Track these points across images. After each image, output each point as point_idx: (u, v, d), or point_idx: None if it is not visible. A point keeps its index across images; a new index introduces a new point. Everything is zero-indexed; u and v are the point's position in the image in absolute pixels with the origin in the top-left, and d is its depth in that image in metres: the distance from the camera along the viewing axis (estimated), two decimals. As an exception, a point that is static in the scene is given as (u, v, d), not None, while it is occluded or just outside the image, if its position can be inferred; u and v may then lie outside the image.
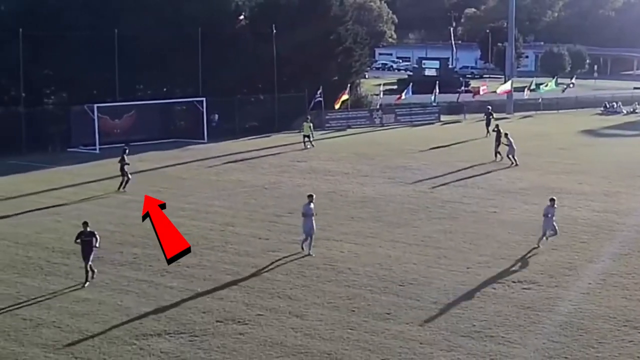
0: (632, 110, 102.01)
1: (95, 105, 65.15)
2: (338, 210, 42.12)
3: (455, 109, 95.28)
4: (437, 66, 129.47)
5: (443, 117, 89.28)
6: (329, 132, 77.24)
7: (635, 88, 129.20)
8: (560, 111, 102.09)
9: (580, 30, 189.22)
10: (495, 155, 56.97)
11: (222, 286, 29.55)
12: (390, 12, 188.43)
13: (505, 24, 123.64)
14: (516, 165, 54.47)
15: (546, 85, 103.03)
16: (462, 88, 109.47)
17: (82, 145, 64.64)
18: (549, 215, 33.74)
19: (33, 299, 28.32)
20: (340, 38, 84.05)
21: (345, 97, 79.76)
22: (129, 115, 70.20)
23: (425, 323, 25.54)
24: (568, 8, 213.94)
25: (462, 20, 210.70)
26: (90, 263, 29.88)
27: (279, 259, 32.81)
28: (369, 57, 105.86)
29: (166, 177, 53.31)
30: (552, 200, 34.36)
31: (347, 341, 24.18)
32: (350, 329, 25.10)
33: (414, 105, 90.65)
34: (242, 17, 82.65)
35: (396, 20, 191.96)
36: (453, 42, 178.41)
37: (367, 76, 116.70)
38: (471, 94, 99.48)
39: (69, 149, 64.10)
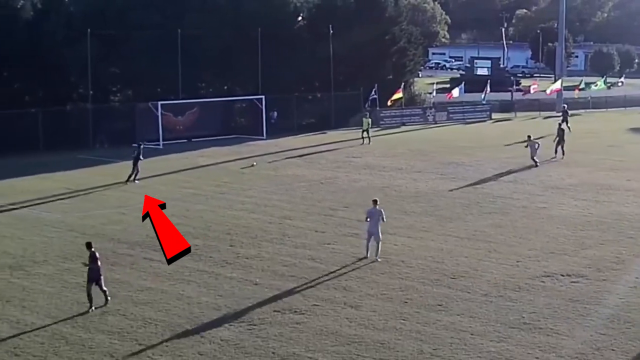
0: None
1: (159, 103, 65.68)
2: (392, 204, 41.97)
3: (506, 107, 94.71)
4: (489, 65, 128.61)
5: (494, 115, 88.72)
6: (383, 129, 77.16)
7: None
8: (608, 109, 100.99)
9: (629, 31, 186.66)
10: (556, 152, 56.25)
11: (280, 277, 29.62)
12: (444, 12, 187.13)
13: (556, 24, 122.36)
14: (536, 166, 52.94)
15: (595, 85, 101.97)
16: (513, 87, 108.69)
17: (147, 141, 65.03)
18: None
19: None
20: (395, 38, 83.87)
21: (399, 95, 79.71)
22: (191, 112, 70.60)
23: (476, 314, 25.42)
24: (617, 9, 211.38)
25: (514, 20, 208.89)
26: (104, 287, 26.59)
27: (335, 252, 32.82)
28: (422, 57, 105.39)
29: (226, 171, 53.52)
30: None
31: (400, 331, 24.13)
32: (403, 320, 25.04)
33: (466, 103, 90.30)
34: (300, 17, 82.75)
35: (449, 21, 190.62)
36: (504, 42, 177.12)
37: (420, 75, 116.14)
38: (522, 93, 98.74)
39: (134, 144, 64.42)
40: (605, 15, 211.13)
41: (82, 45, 64.49)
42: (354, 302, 26.73)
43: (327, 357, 22.30)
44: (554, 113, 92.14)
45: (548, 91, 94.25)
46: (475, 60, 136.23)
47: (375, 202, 32.00)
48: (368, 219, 31.62)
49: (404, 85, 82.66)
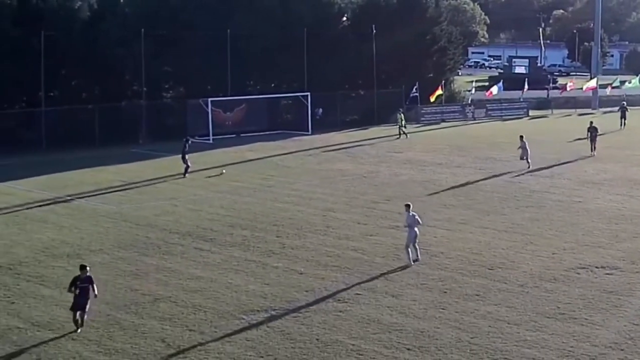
0: None
1: (210, 99, 66.00)
2: (432, 198, 41.93)
3: (543, 104, 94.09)
4: (527, 64, 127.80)
5: (531, 112, 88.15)
6: (424, 125, 77.03)
7: None
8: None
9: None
10: (591, 150, 55.52)
11: (324, 267, 29.64)
12: (483, 13, 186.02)
13: (592, 24, 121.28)
14: (529, 167, 50.20)
15: (630, 82, 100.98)
16: (550, 85, 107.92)
17: (197, 136, 65.38)
18: None
19: (152, 275, 28.81)
20: (436, 38, 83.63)
21: (439, 92, 79.75)
22: (239, 109, 70.84)
23: (513, 304, 25.28)
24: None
25: (551, 21, 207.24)
26: (85, 316, 23.75)
27: (377, 243, 32.79)
28: (462, 56, 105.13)
29: (273, 165, 53.64)
30: None
31: (439, 320, 24.07)
32: (442, 309, 24.98)
33: (504, 100, 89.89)
34: (344, 18, 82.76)
35: (488, 21, 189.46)
36: (542, 42, 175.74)
37: (460, 73, 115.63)
38: (559, 91, 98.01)
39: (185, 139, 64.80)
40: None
41: (136, 45, 64.92)
42: (395, 291, 26.70)
43: (368, 344, 22.29)
44: (589, 110, 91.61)
45: (584, 88, 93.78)
46: (513, 59, 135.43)
47: (407, 206, 30.30)
48: (407, 227, 30.11)
49: (444, 83, 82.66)
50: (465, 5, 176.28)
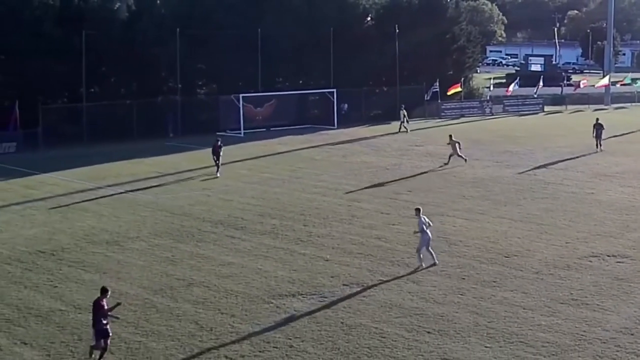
0: None
1: (241, 95, 66.09)
2: (451, 189, 41.82)
3: (557, 100, 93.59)
4: (542, 62, 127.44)
5: (546, 108, 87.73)
6: (444, 120, 76.87)
7: None
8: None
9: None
10: (597, 146, 54.81)
11: (348, 254, 29.63)
12: (501, 13, 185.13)
13: (605, 24, 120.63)
14: (446, 163, 48.92)
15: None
16: (564, 82, 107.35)
17: (229, 129, 65.61)
18: None
19: (186, 261, 28.91)
20: (455, 37, 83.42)
21: (458, 89, 79.72)
22: (269, 104, 70.88)
23: (528, 291, 25.20)
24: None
25: (565, 21, 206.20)
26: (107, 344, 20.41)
27: (399, 232, 32.73)
28: (480, 54, 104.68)
29: (301, 158, 53.66)
30: None
31: (458, 305, 24.02)
32: (461, 295, 24.93)
33: (520, 96, 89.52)
34: (369, 18, 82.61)
35: (506, 21, 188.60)
36: (556, 41, 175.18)
37: (478, 71, 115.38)
38: (573, 88, 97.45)
39: (217, 133, 64.96)
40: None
41: (172, 44, 65.10)
42: (416, 278, 26.67)
43: (390, 328, 22.28)
44: (602, 106, 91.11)
45: (597, 85, 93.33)
46: (530, 58, 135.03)
47: (418, 210, 28.22)
48: (417, 232, 28.07)
49: (463, 80, 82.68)
50: (484, 6, 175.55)
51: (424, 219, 27.85)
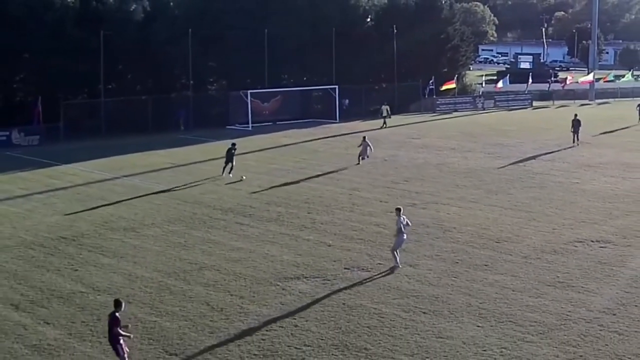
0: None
1: (249, 91, 66.12)
2: (445, 179, 41.79)
3: (545, 96, 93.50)
4: (531, 60, 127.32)
5: (535, 103, 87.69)
6: (439, 115, 76.88)
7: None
8: (635, 98, 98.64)
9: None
10: (574, 141, 53.92)
11: (350, 240, 29.63)
12: (492, 14, 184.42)
13: (589, 24, 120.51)
14: (358, 162, 46.61)
15: (623, 77, 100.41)
16: (551, 79, 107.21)
17: (238, 123, 65.64)
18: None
19: (198, 246, 28.93)
20: (450, 37, 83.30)
21: (452, 85, 79.97)
22: (275, 100, 70.89)
23: (517, 274, 25.20)
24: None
25: (553, 21, 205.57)
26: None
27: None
28: (473, 53, 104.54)
29: (305, 150, 53.64)
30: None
31: (452, 287, 24.03)
32: (454, 277, 24.94)
33: (510, 92, 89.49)
34: (369, 19, 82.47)
35: (497, 22, 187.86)
36: (544, 40, 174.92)
37: (471, 68, 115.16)
38: (560, 84, 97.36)
39: (227, 127, 65.03)
40: (633, 17, 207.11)
41: (184, 43, 65.04)
42: (413, 261, 26.67)
43: (389, 308, 22.30)
44: (586, 101, 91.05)
45: (580, 80, 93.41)
46: (519, 56, 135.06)
47: (399, 210, 26.33)
48: (396, 235, 26.28)
49: (457, 77, 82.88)
50: (477, 8, 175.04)
51: (404, 218, 25.99)
